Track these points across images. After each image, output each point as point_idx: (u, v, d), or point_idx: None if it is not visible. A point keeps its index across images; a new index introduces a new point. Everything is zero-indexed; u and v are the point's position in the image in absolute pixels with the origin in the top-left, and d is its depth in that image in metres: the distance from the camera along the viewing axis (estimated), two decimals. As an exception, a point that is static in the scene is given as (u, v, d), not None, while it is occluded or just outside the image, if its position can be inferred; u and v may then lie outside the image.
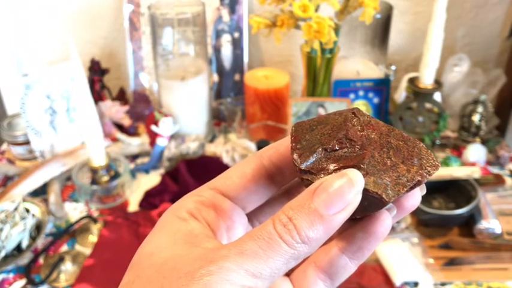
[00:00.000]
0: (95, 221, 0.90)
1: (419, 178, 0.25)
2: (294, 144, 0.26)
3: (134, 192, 0.98)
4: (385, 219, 0.25)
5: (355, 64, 1.08)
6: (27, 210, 0.87)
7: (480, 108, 1.06)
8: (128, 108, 1.14)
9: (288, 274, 0.27)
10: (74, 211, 0.94)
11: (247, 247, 0.22)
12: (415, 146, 0.26)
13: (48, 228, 0.89)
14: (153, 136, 1.04)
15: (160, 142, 1.03)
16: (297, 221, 0.22)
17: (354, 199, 0.23)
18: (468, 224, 0.86)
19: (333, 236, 0.25)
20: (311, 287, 0.26)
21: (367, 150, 0.25)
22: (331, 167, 0.25)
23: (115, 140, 1.10)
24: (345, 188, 0.23)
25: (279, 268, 0.22)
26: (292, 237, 0.22)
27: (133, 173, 1.02)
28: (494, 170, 1.01)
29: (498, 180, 0.97)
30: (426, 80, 0.97)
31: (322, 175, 0.25)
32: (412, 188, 0.25)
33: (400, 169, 0.25)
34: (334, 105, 0.98)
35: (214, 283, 0.21)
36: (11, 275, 0.81)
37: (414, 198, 0.26)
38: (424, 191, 0.27)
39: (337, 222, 0.23)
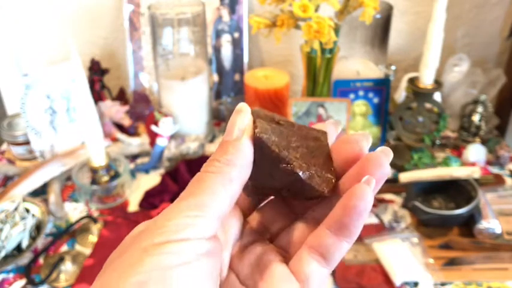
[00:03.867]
0: (95, 221, 0.90)
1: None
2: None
3: (134, 192, 0.98)
4: (362, 193, 0.26)
5: (355, 64, 1.08)
6: (27, 210, 0.87)
7: (480, 108, 1.06)
8: (127, 108, 1.14)
9: (286, 263, 0.28)
10: (74, 211, 0.94)
11: (193, 190, 0.26)
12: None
13: (48, 228, 0.89)
14: (153, 136, 1.04)
15: (160, 142, 1.03)
16: (214, 155, 0.27)
17: (241, 122, 0.27)
18: (468, 224, 0.86)
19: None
20: (305, 266, 0.27)
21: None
22: None
23: (115, 140, 1.10)
24: (236, 117, 0.28)
25: (218, 193, 0.26)
26: (213, 165, 0.27)
27: (133, 173, 1.02)
28: (494, 170, 1.01)
29: (498, 180, 0.97)
30: (426, 80, 0.97)
31: None
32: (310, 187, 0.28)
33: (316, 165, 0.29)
34: (334, 105, 0.98)
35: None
36: (11, 275, 0.81)
37: (382, 166, 0.27)
38: (390, 155, 0.28)
39: (242, 143, 0.27)
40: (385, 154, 0.27)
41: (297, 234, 0.30)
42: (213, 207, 0.25)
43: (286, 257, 0.29)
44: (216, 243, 0.26)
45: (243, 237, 0.31)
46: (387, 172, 0.27)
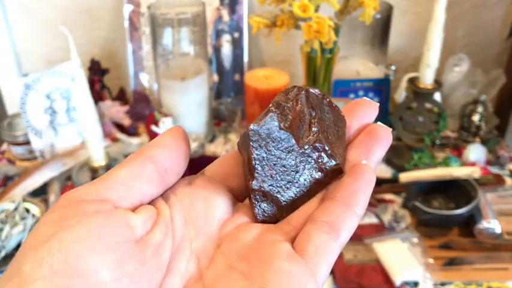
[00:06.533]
0: (95, 221, 0.90)
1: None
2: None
3: (134, 192, 0.98)
4: (366, 165, 0.27)
5: (355, 64, 1.08)
6: (27, 210, 0.87)
7: (480, 108, 1.06)
8: (127, 108, 1.14)
9: (291, 243, 0.26)
10: (74, 211, 0.94)
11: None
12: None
13: (48, 228, 0.89)
14: (153, 136, 1.04)
15: (160, 142, 1.02)
16: None
17: None
18: (468, 224, 0.86)
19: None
20: (314, 239, 0.25)
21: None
22: None
23: (115, 140, 1.10)
24: None
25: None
26: None
27: (133, 173, 1.02)
28: (494, 170, 1.01)
29: (498, 180, 0.97)
30: (426, 80, 0.97)
31: None
32: None
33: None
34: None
35: None
36: (11, 275, 0.81)
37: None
38: (376, 106, 0.29)
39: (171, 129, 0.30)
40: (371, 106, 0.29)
41: (302, 211, 0.28)
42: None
43: (291, 235, 0.26)
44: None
45: (237, 217, 0.28)
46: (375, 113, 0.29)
